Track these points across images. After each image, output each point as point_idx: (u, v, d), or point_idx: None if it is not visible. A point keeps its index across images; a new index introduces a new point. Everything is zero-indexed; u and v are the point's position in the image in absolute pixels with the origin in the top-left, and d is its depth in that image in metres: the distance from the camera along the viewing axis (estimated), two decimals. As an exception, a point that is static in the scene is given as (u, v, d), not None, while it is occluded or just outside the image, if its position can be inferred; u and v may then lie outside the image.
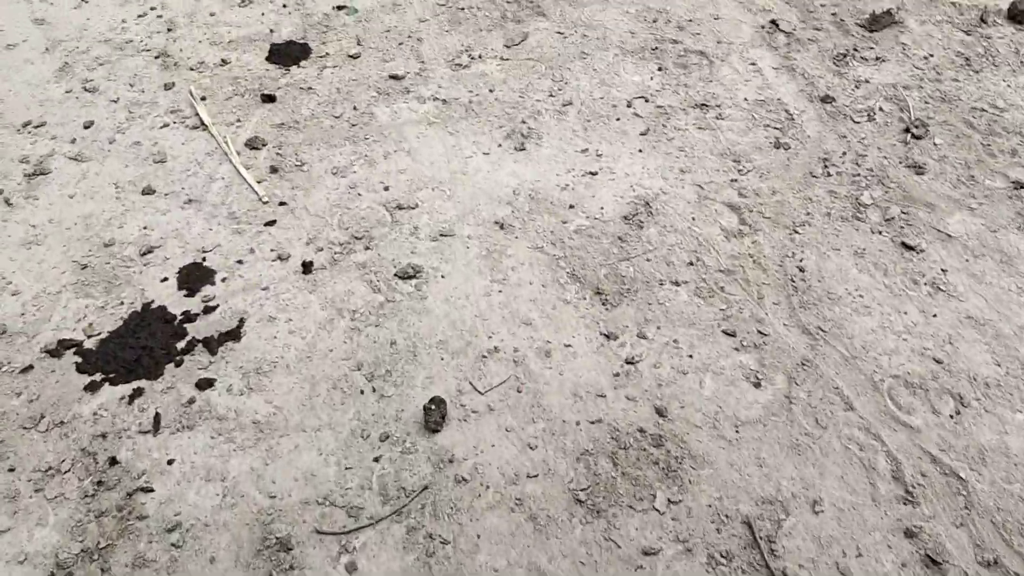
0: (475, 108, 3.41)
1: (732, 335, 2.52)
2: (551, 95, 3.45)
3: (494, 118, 3.36)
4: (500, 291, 2.69)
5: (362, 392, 2.43)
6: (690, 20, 3.78)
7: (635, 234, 2.84)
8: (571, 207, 2.96)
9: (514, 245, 2.84)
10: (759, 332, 2.53)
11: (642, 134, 3.23)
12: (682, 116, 3.30)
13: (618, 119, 3.31)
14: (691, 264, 2.74)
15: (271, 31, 3.87)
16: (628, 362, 2.46)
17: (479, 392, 2.41)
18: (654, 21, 3.79)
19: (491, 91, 3.49)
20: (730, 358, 2.47)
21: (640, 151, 3.16)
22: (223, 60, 3.70)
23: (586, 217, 2.92)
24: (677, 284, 2.68)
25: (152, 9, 4.07)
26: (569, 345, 2.52)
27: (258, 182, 3.13)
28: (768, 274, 2.70)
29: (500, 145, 3.24)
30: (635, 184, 3.03)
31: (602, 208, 2.95)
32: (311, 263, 2.82)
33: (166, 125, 3.39)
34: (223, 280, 2.78)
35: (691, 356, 2.47)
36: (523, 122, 3.33)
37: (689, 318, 2.58)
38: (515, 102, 3.43)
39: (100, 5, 4.12)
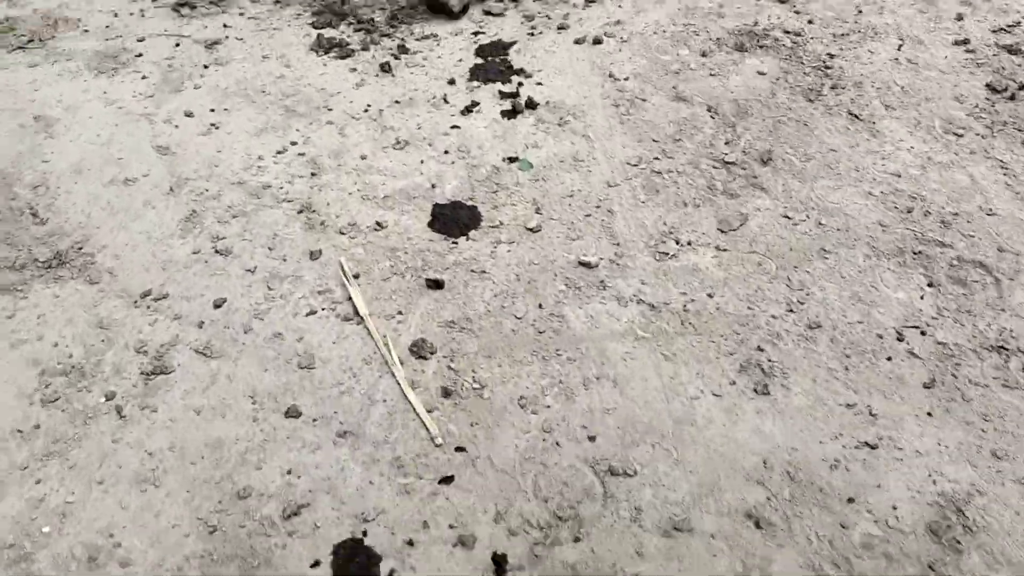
0: (693, 321, 2.71)
1: None
2: (790, 310, 2.73)
3: (720, 338, 2.65)
4: (772, 641, 1.94)
5: None
6: (955, 214, 3.03)
7: (952, 562, 2.07)
8: (850, 501, 2.21)
9: (780, 558, 2.10)
10: None
11: (926, 386, 2.47)
12: (975, 363, 2.53)
13: (889, 358, 2.56)
14: (1048, 630, 1.95)
15: (432, 185, 3.26)
16: None
17: None
18: (908, 211, 3.05)
19: (710, 296, 2.79)
20: None
21: (929, 415, 2.40)
22: (378, 223, 3.09)
23: (874, 521, 2.16)
24: (1036, 667, 1.89)
25: (293, 144, 3.51)
26: None
27: (428, 411, 2.47)
28: None
29: (734, 383, 2.52)
30: (934, 471, 2.26)
31: (895, 508, 2.19)
32: (504, 559, 2.12)
33: (313, 312, 2.77)
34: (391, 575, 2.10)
35: None
36: (759, 348, 2.61)
37: None
38: (744, 316, 2.72)
39: (232, 133, 3.59)
